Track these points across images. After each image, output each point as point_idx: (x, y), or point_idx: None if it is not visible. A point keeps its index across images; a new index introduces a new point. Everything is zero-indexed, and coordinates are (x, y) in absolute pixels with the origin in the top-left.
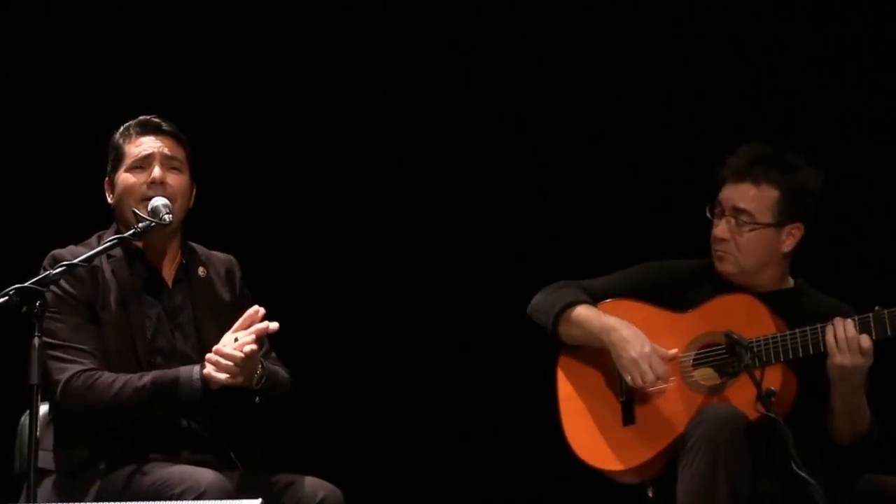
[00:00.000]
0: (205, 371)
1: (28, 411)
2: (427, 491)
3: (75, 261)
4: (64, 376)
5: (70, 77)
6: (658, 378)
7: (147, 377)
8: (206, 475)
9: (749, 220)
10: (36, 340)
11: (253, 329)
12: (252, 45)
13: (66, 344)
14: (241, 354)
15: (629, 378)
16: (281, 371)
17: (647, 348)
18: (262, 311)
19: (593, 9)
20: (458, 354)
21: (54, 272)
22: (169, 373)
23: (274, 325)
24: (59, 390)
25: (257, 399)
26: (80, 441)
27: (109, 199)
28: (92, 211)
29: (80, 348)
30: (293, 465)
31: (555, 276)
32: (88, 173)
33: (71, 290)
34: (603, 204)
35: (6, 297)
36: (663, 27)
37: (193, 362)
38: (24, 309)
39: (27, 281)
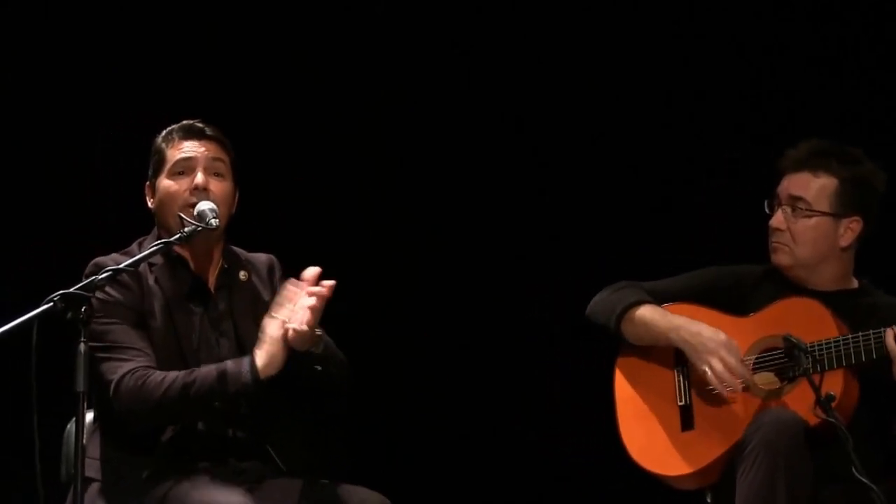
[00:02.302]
0: (288, 337)
1: (74, 419)
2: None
3: (121, 265)
4: (116, 376)
5: (107, 80)
6: (737, 367)
7: (196, 371)
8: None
9: (805, 207)
10: (81, 346)
11: (317, 290)
12: (286, 49)
13: (115, 345)
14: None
15: (709, 370)
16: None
17: (721, 335)
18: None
19: (594, 8)
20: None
21: (100, 277)
22: (218, 365)
23: (330, 283)
24: (111, 390)
25: (318, 367)
26: (125, 449)
27: (150, 204)
28: (130, 217)
29: (130, 347)
30: (340, 473)
31: (564, 278)
32: (127, 179)
33: (118, 296)
34: (611, 204)
35: (51, 304)
36: (666, 25)
37: None
38: (70, 315)
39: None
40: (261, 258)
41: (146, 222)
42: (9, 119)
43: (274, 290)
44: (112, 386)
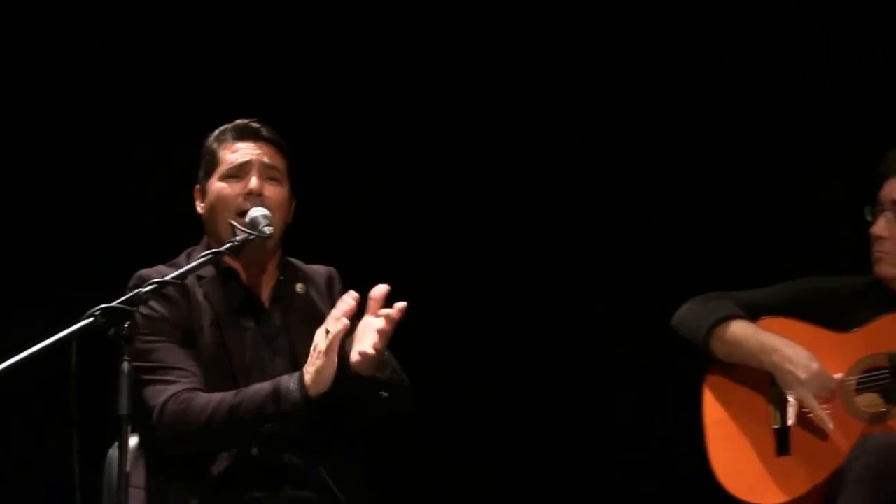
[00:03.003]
0: (353, 361)
1: (116, 444)
2: None
3: (167, 277)
4: (160, 400)
5: (153, 79)
6: (830, 399)
7: (243, 392)
8: None
9: None
10: (124, 366)
11: (388, 312)
12: (348, 47)
13: (159, 365)
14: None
15: (798, 400)
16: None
17: (815, 366)
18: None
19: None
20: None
21: (145, 290)
22: (264, 384)
23: (401, 305)
24: (155, 416)
25: (384, 394)
26: (171, 477)
27: (199, 209)
28: (177, 226)
29: (175, 368)
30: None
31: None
32: (173, 183)
33: (164, 311)
34: (692, 207)
35: (91, 319)
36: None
37: None
38: (112, 331)
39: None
40: (319, 270)
41: (194, 232)
42: (48, 119)
43: (333, 305)
44: (156, 411)
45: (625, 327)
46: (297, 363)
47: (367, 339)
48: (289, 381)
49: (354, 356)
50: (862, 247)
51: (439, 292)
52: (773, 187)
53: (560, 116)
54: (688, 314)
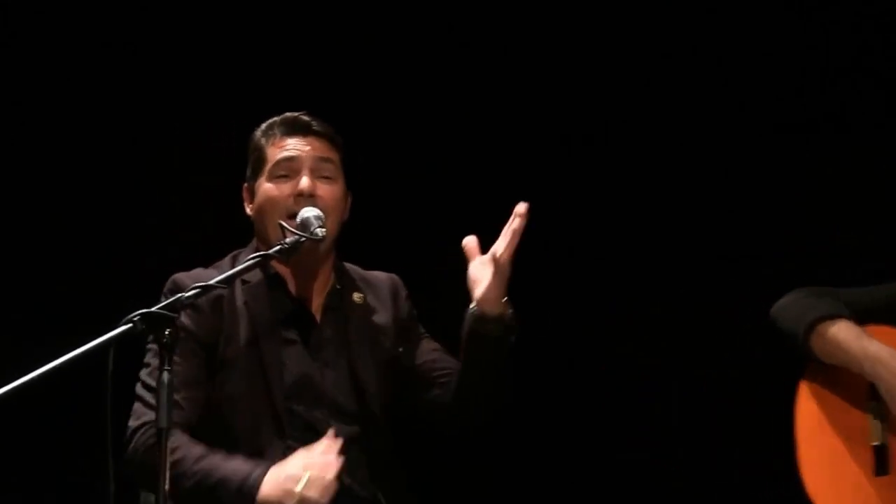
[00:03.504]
0: (480, 293)
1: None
2: None
3: (212, 281)
4: (136, 423)
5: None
6: None
7: (202, 464)
8: None
9: None
10: (164, 376)
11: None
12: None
13: (153, 387)
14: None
15: None
16: None
17: None
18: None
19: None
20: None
21: (188, 294)
22: (225, 469)
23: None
24: (126, 438)
25: (511, 339)
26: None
27: (248, 210)
28: (221, 227)
29: (178, 403)
30: None
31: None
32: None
33: (185, 322)
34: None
35: (130, 325)
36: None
37: (345, 409)
38: (151, 338)
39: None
40: (380, 277)
41: (239, 234)
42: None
43: (396, 313)
44: (128, 434)
45: (624, 327)
46: (356, 380)
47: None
48: (245, 480)
49: (481, 287)
50: (861, 247)
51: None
52: (773, 187)
53: (560, 116)
54: (790, 306)
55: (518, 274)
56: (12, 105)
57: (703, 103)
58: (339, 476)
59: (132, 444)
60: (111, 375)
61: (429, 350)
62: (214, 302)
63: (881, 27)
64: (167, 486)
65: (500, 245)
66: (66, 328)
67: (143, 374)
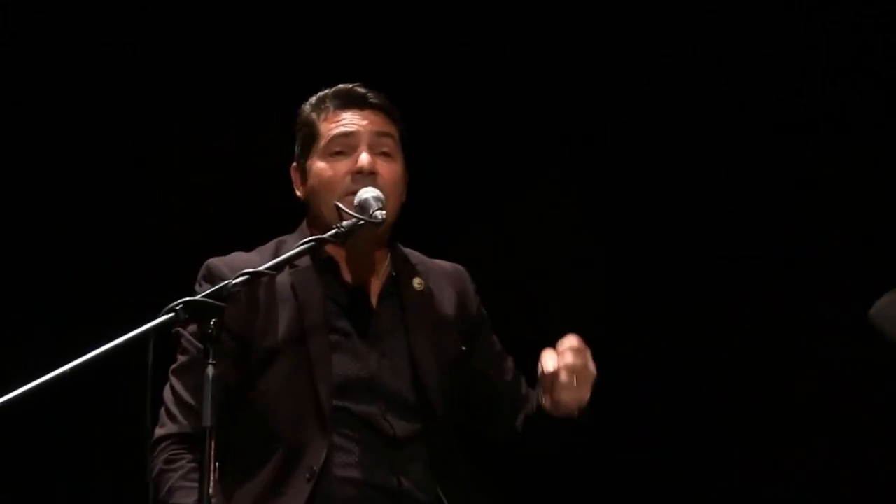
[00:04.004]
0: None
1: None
2: None
3: (262, 268)
4: (159, 433)
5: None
6: None
7: (175, 495)
8: None
9: None
10: (209, 370)
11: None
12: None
13: (178, 393)
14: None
15: None
16: None
17: None
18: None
19: None
20: None
21: (235, 281)
22: None
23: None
24: (150, 444)
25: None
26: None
27: (298, 193)
28: (219, 230)
29: (189, 403)
30: None
31: None
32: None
33: None
34: None
35: (171, 314)
36: None
37: (404, 404)
38: (194, 328)
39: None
40: (444, 267)
41: (240, 234)
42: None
43: (463, 310)
44: (152, 440)
45: (625, 327)
46: (417, 372)
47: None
48: None
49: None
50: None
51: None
52: (772, 187)
53: (559, 116)
54: (888, 307)
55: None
56: (12, 105)
57: (703, 103)
58: (397, 478)
59: (151, 458)
60: (151, 369)
61: (498, 362)
62: (251, 290)
63: (881, 27)
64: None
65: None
66: (66, 328)
67: (173, 374)
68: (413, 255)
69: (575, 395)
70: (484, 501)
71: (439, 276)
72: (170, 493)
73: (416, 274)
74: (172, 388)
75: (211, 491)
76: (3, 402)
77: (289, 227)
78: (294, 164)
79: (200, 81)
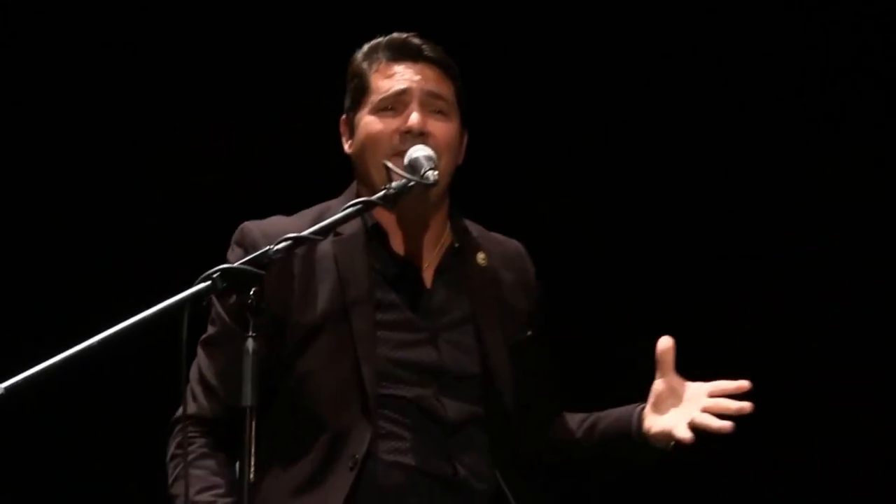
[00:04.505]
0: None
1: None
2: None
3: (306, 232)
4: (180, 413)
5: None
6: None
7: (176, 486)
8: None
9: None
10: (249, 344)
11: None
12: None
13: (202, 372)
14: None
15: None
16: None
17: None
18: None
19: None
20: None
21: (276, 247)
22: None
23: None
24: (172, 422)
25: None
26: (294, 493)
27: (346, 147)
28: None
29: (211, 385)
30: None
31: None
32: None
33: None
34: None
35: (208, 282)
36: None
37: (462, 386)
38: (234, 299)
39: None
40: (505, 245)
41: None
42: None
43: (528, 297)
44: (174, 419)
45: (624, 327)
46: (484, 352)
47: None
48: None
49: (658, 426)
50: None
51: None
52: (772, 187)
53: (559, 117)
54: None
55: None
56: (12, 105)
57: (704, 103)
58: (453, 465)
59: (172, 433)
60: (185, 345)
61: (545, 364)
62: (284, 260)
63: (881, 27)
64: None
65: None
66: (66, 328)
67: (200, 346)
68: (473, 226)
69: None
70: (544, 493)
71: (500, 254)
72: (175, 482)
73: (480, 248)
74: (198, 363)
75: (252, 476)
76: (25, 379)
77: None
78: (343, 116)
79: (200, 81)
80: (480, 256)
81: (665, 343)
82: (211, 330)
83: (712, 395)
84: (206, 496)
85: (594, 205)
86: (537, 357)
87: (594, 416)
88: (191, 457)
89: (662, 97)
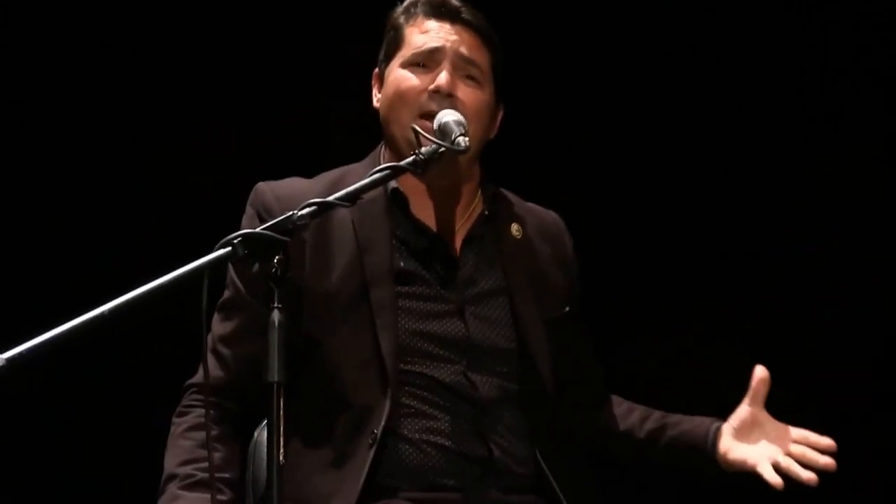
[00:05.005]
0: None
1: (265, 423)
2: None
3: (331, 198)
4: (189, 380)
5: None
6: None
7: (167, 455)
8: None
9: None
10: (275, 315)
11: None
12: None
13: (216, 347)
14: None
15: None
16: None
17: None
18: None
19: None
20: None
21: (300, 213)
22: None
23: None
24: (183, 389)
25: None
26: (321, 471)
27: (374, 101)
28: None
29: (225, 358)
30: None
31: None
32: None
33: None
34: None
35: (229, 249)
36: None
37: (495, 362)
38: (256, 267)
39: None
40: (543, 215)
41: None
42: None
43: (565, 272)
44: (186, 384)
45: (624, 327)
46: (519, 327)
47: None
48: None
49: (737, 455)
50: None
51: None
52: (772, 186)
53: (559, 117)
54: None
55: None
56: (12, 105)
57: (703, 103)
58: (487, 446)
59: (181, 401)
60: (205, 310)
61: (581, 343)
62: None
63: (881, 27)
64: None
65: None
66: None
67: (216, 315)
68: (509, 195)
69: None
70: (588, 478)
71: (537, 225)
72: (166, 452)
73: (514, 218)
74: (211, 328)
75: (282, 458)
76: (28, 350)
77: None
78: (376, 69)
79: (200, 81)
80: (514, 227)
81: (761, 373)
82: (226, 294)
83: (797, 442)
84: (186, 469)
85: (593, 205)
86: (575, 334)
87: (659, 417)
88: (182, 427)
89: (662, 97)
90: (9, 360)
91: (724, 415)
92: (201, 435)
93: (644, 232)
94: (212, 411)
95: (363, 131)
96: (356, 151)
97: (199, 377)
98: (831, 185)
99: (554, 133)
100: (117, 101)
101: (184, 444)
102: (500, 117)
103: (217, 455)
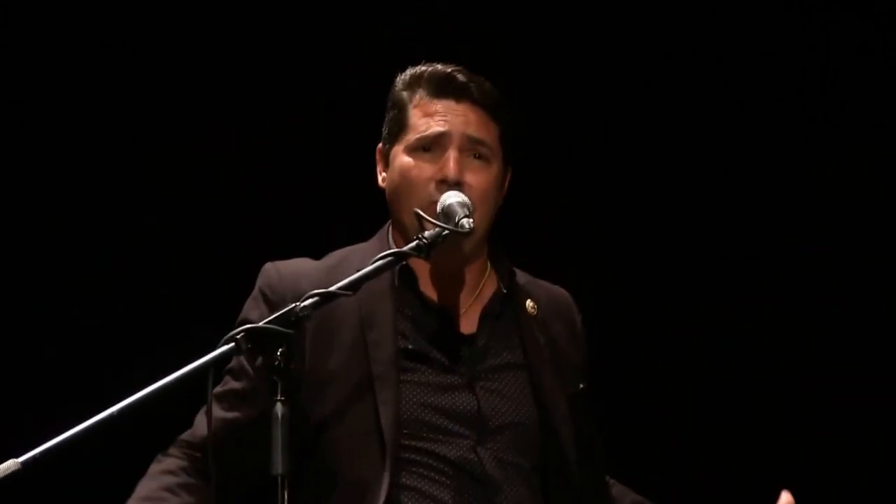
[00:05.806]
0: None
1: None
2: None
3: (333, 288)
4: (184, 436)
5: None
6: None
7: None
8: None
9: None
10: (278, 409)
11: None
12: None
13: (217, 434)
14: None
15: None
16: None
17: None
18: None
19: None
20: None
21: (303, 304)
22: None
23: None
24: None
25: None
26: None
27: (380, 180)
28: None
29: (191, 443)
30: None
31: None
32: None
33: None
34: None
35: (232, 344)
36: None
37: (520, 439)
38: (260, 360)
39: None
40: (553, 292)
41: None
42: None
43: (576, 350)
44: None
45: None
46: (542, 403)
47: None
48: None
49: None
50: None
51: None
52: (772, 187)
53: (559, 117)
54: None
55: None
56: (12, 105)
57: (703, 103)
58: None
59: (168, 449)
60: (211, 402)
61: (594, 421)
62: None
63: (881, 27)
64: None
65: None
66: (66, 328)
67: (215, 400)
68: (519, 273)
69: None
70: None
71: (548, 302)
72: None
73: (529, 295)
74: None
75: None
76: (47, 449)
77: (290, 226)
78: (380, 144)
79: (200, 81)
80: (530, 304)
81: (786, 500)
82: (234, 384)
83: None
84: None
85: (593, 204)
86: (586, 412)
87: None
88: (157, 468)
89: (662, 97)
90: (24, 463)
91: (724, 415)
92: (172, 480)
93: (644, 232)
94: (186, 463)
95: (363, 131)
96: (356, 151)
97: (190, 434)
98: (832, 185)
99: (554, 132)
100: (117, 101)
101: (150, 484)
102: (508, 180)
103: (176, 500)
